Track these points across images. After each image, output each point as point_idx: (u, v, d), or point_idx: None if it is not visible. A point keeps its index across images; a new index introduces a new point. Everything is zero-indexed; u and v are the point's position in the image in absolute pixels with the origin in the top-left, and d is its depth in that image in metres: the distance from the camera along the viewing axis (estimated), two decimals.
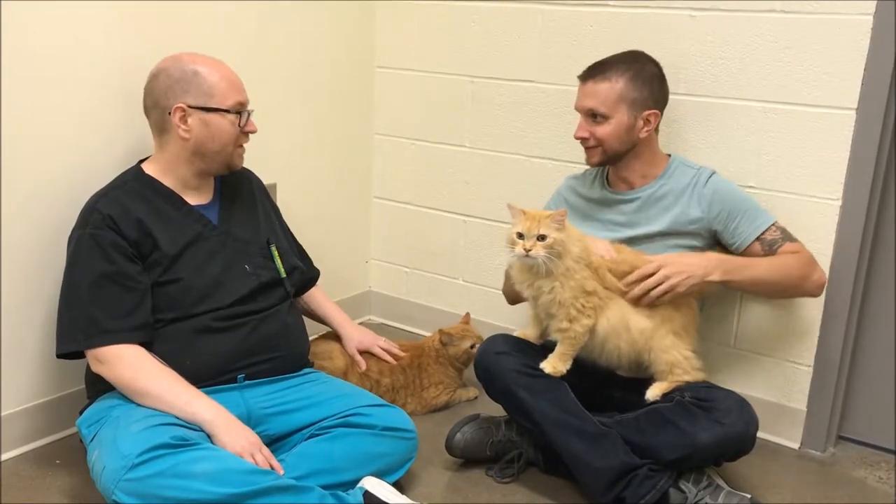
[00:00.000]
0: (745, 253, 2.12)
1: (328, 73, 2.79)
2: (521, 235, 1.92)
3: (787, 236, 2.12)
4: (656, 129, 2.17)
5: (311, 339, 2.24)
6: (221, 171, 2.04)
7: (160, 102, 1.94)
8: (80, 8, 2.05)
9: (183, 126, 1.93)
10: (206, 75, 1.93)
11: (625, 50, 2.16)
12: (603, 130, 2.10)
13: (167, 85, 1.93)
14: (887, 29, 2.05)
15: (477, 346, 2.40)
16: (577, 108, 2.15)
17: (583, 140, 2.15)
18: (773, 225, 2.12)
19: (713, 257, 2.04)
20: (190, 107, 1.92)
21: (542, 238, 1.90)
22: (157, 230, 1.92)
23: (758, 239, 2.11)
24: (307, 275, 2.32)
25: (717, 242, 2.17)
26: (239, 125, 1.97)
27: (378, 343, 2.43)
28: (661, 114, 2.16)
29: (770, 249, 2.10)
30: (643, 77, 2.09)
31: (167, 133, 1.96)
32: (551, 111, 2.60)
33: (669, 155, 2.22)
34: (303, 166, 2.77)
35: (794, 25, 2.17)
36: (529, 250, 1.90)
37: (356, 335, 2.42)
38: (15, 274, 2.03)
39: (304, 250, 2.35)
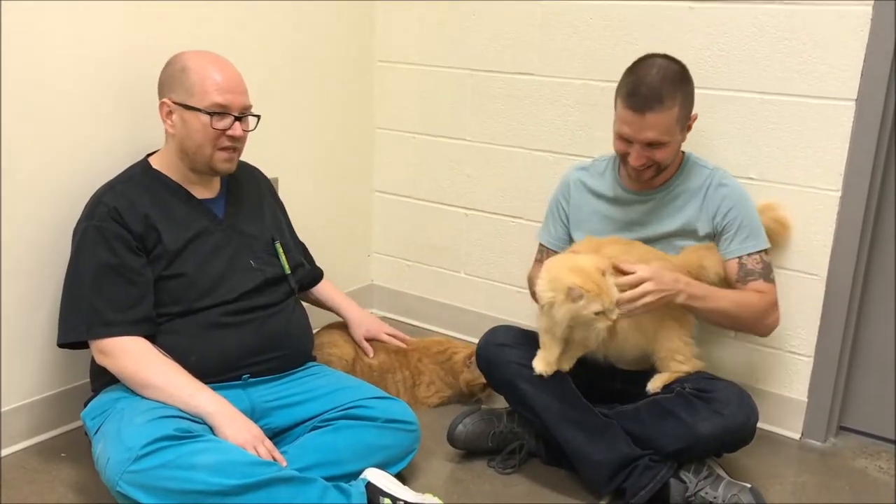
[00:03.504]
0: (724, 267, 2.09)
1: (329, 68, 2.80)
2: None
3: (765, 273, 2.07)
4: None
5: (314, 331, 2.25)
6: (206, 173, 2.01)
7: (159, 95, 1.97)
8: (87, 5, 2.06)
9: (168, 121, 1.95)
10: (191, 73, 1.92)
11: (648, 53, 2.03)
12: (661, 154, 2.01)
13: (163, 79, 1.96)
14: (887, 19, 2.05)
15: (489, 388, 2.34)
16: (631, 138, 2.00)
17: (640, 166, 2.04)
18: (760, 252, 2.07)
19: (683, 280, 1.98)
20: (174, 103, 1.93)
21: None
22: (162, 224, 1.93)
23: (739, 260, 2.07)
24: (311, 274, 2.36)
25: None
26: (213, 126, 1.92)
27: (384, 329, 2.47)
28: None
29: (743, 278, 2.06)
30: (689, 91, 2.01)
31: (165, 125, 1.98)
32: (551, 104, 2.61)
33: (683, 152, 2.18)
34: (304, 161, 2.77)
35: (793, 16, 2.17)
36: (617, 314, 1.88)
37: (364, 323, 2.46)
38: (20, 268, 2.04)
39: (306, 249, 2.37)
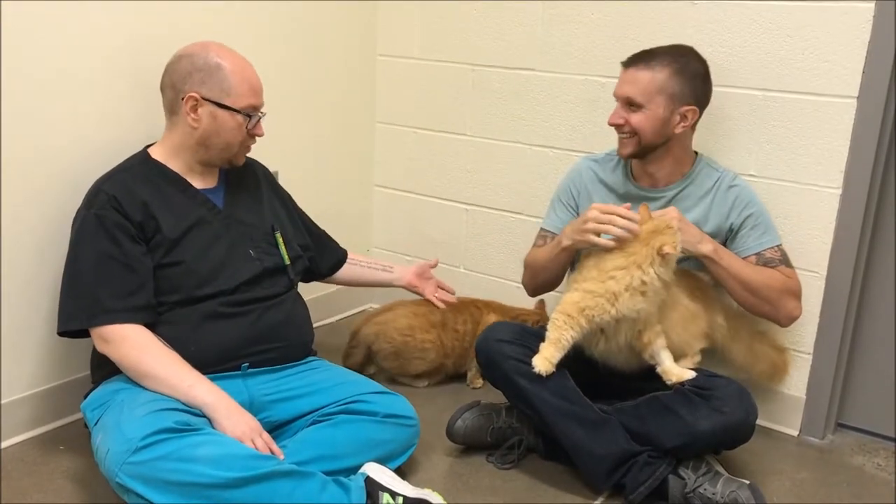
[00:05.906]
0: None
1: (330, 62, 2.79)
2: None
3: (785, 260, 2.12)
4: (692, 128, 2.12)
5: (371, 311, 2.26)
6: (222, 165, 2.06)
7: (177, 85, 1.95)
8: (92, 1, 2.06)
9: (192, 115, 1.94)
10: (228, 72, 1.93)
11: (669, 44, 2.10)
12: (636, 119, 2.05)
13: (188, 70, 1.94)
14: (889, 17, 2.05)
15: None
16: (616, 95, 2.10)
17: (618, 127, 2.10)
18: (776, 246, 2.12)
19: (709, 237, 2.06)
20: (203, 98, 1.93)
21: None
22: (161, 213, 1.93)
23: (757, 254, 2.11)
24: (335, 256, 2.42)
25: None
26: (246, 127, 1.99)
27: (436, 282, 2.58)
28: (700, 113, 2.10)
29: (764, 266, 2.11)
30: (687, 73, 2.04)
31: (177, 115, 1.97)
32: (552, 99, 2.61)
33: (696, 153, 2.19)
34: (304, 155, 2.77)
35: (795, 13, 2.17)
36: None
37: (420, 273, 2.54)
38: (20, 259, 2.04)
39: (325, 234, 2.41)
